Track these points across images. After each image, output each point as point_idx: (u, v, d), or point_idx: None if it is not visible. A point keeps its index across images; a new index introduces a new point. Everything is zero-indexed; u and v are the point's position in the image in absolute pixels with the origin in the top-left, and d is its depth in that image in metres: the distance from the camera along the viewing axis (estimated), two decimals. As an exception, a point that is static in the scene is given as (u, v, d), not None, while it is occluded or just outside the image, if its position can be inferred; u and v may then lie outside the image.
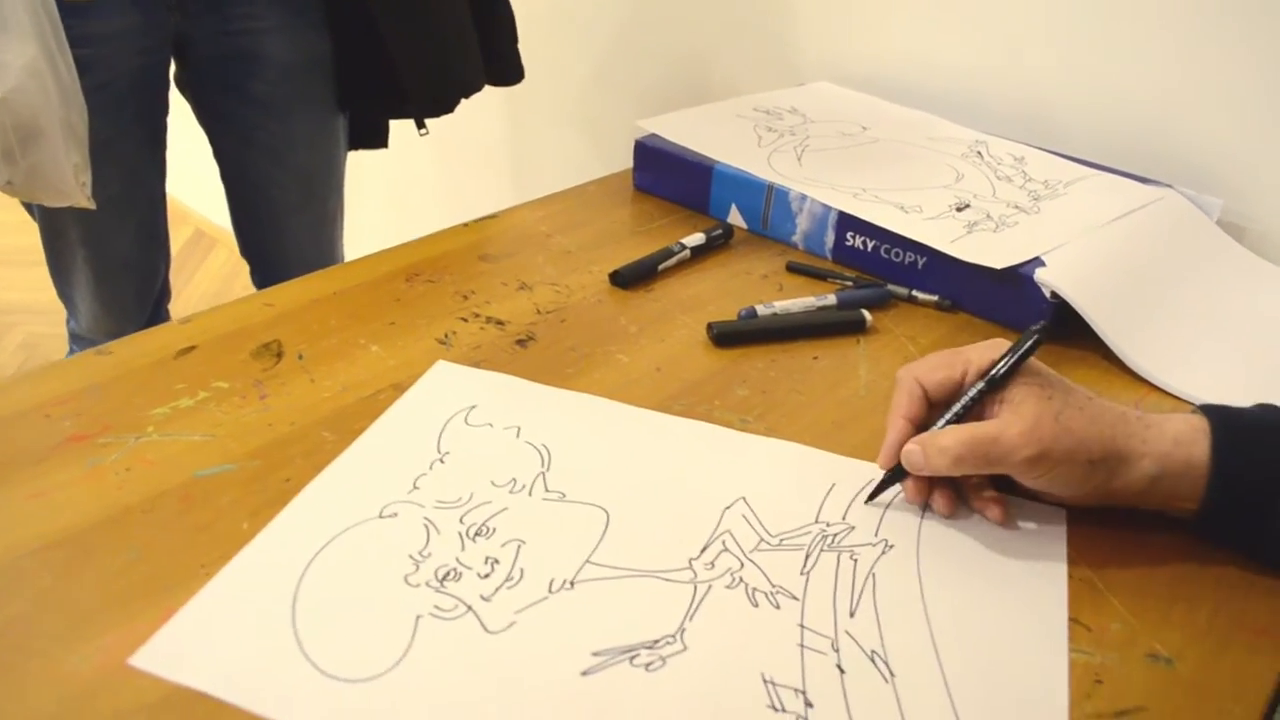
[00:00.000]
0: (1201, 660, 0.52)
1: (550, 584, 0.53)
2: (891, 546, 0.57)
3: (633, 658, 0.49)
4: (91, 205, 1.02)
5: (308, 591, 0.52)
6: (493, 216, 0.92)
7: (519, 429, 0.64)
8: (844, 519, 0.58)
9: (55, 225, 1.19)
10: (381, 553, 0.54)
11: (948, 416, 0.59)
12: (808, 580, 0.54)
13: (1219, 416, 0.57)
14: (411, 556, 0.54)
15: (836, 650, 0.50)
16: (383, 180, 2.01)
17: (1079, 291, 0.76)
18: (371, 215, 2.01)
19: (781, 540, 0.56)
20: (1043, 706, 0.48)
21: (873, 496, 0.60)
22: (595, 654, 0.49)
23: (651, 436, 0.65)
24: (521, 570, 0.53)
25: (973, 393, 0.59)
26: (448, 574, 0.53)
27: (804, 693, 0.48)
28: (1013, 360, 0.58)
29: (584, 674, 0.48)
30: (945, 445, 0.56)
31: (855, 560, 0.55)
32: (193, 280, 2.65)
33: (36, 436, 0.62)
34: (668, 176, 0.97)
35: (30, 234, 1.24)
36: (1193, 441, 0.56)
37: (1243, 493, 0.56)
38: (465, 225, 0.90)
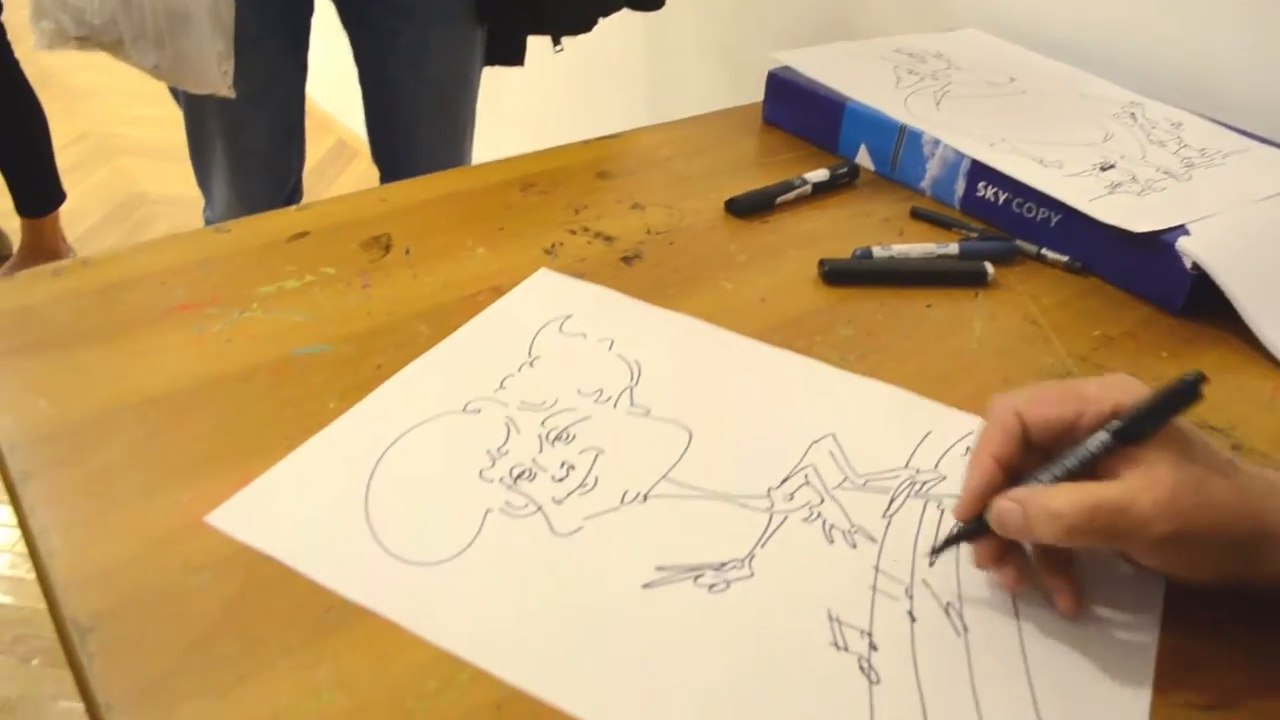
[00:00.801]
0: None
1: (623, 495, 0.52)
2: None
3: (697, 577, 0.48)
4: (232, 94, 1.04)
5: (383, 473, 0.52)
6: (614, 136, 0.91)
7: (612, 342, 0.63)
8: (936, 468, 0.56)
9: (198, 114, 1.22)
10: (460, 445, 0.54)
11: (1055, 471, 0.47)
12: (889, 524, 0.52)
13: None
14: (489, 452, 0.54)
15: (910, 597, 0.48)
16: (516, 98, 2.01)
17: (1224, 266, 0.71)
18: (502, 132, 2.02)
19: (867, 481, 0.54)
20: (1124, 687, 0.45)
21: (939, 551, 0.50)
22: (659, 568, 0.48)
23: (746, 363, 0.63)
24: (596, 478, 0.53)
25: (1094, 445, 0.46)
26: (522, 473, 0.53)
27: (870, 635, 0.46)
28: (1157, 414, 0.46)
29: (645, 586, 0.47)
30: (1058, 510, 0.44)
31: (942, 510, 0.53)
32: (331, 188, 2.72)
33: (149, 301, 0.64)
34: (798, 111, 0.94)
35: (180, 130, 1.28)
36: None
37: None
38: (585, 143, 0.89)
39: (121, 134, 2.97)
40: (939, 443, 0.58)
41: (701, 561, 0.49)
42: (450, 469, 0.53)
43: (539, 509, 0.51)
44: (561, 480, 0.52)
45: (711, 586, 0.47)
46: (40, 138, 2.08)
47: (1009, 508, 0.46)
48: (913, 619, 0.47)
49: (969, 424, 0.59)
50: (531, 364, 0.60)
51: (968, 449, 0.56)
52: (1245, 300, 0.70)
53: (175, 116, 1.28)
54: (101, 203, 2.62)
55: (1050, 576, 0.49)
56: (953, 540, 0.49)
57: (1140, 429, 0.46)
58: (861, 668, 0.45)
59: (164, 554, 0.47)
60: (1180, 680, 0.46)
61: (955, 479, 0.55)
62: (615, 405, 0.58)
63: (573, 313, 0.65)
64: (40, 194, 2.13)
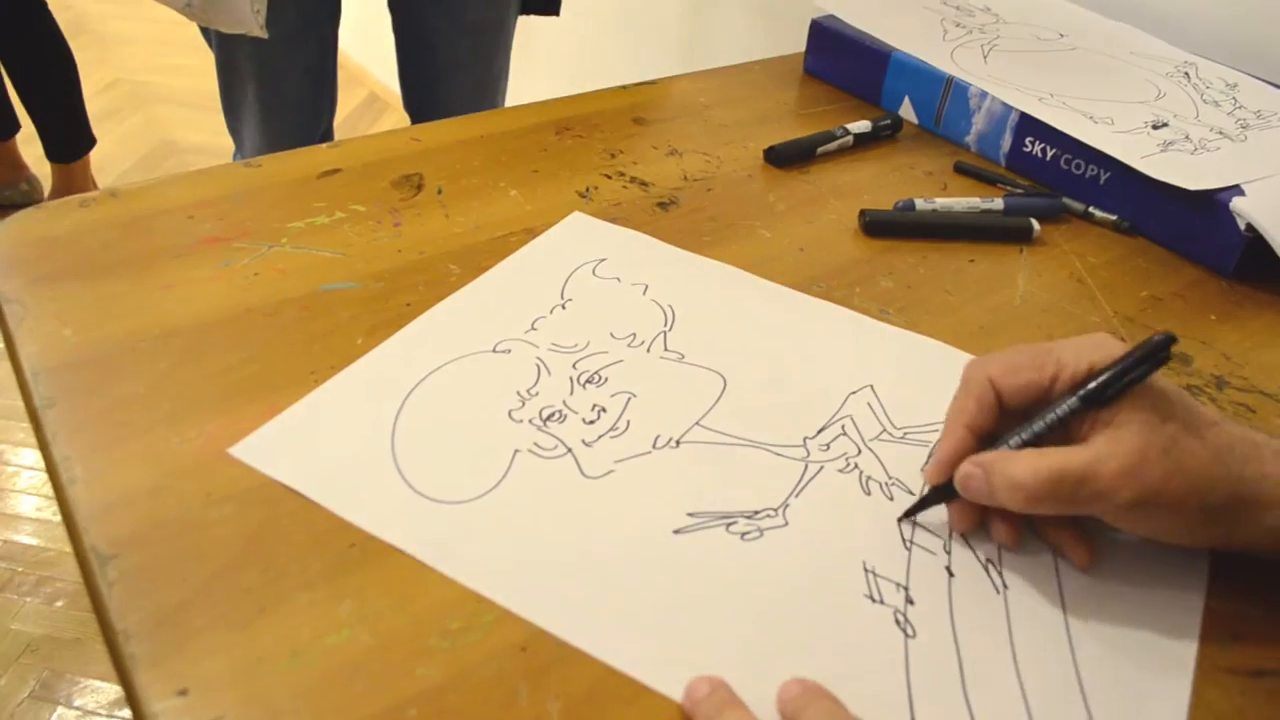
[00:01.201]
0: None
1: (655, 440, 0.51)
2: None
3: (729, 524, 0.47)
4: (264, 34, 1.03)
5: (411, 410, 0.51)
6: (651, 83, 0.89)
7: (646, 286, 0.61)
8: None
9: (229, 56, 1.21)
10: (489, 385, 0.53)
11: (1023, 435, 0.46)
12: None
13: None
14: (519, 393, 0.52)
15: (948, 553, 0.47)
16: (550, 48, 1.99)
17: (1278, 227, 0.69)
18: (536, 81, 2.00)
19: (905, 434, 0.53)
20: (1168, 649, 0.44)
21: (909, 514, 0.48)
22: (691, 514, 0.47)
23: (783, 312, 0.61)
24: (628, 422, 0.51)
25: (1060, 410, 0.45)
26: (552, 415, 0.51)
27: (906, 588, 0.45)
28: (1127, 377, 0.44)
29: (676, 532, 0.46)
30: (1019, 478, 0.43)
31: None
32: (360, 143, 2.71)
33: (177, 234, 0.63)
34: (840, 61, 0.92)
35: (212, 79, 1.27)
36: None
37: None
38: (623, 88, 0.87)
39: (154, 82, 2.96)
40: None
41: (734, 509, 0.47)
42: (479, 408, 0.51)
43: (569, 451, 0.49)
44: (592, 423, 0.51)
45: (744, 534, 0.46)
46: (70, 83, 2.07)
47: (972, 472, 0.45)
48: (950, 574, 0.46)
49: None
50: (564, 306, 0.59)
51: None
52: (1301, 264, 0.68)
53: (208, 66, 1.27)
54: (132, 150, 2.62)
55: (1053, 532, 0.47)
56: (922, 504, 0.48)
57: (1107, 392, 0.44)
58: (897, 621, 0.43)
59: (186, 485, 0.46)
60: (1227, 644, 0.44)
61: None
62: (649, 350, 0.56)
63: (607, 256, 0.64)
64: (70, 140, 2.13)
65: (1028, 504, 0.44)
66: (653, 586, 0.43)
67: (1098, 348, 0.46)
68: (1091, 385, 0.45)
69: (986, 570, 0.46)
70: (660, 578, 0.44)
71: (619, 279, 0.62)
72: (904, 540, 0.47)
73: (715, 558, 0.45)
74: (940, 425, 0.53)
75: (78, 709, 1.36)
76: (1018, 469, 0.44)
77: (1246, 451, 0.44)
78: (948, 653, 0.42)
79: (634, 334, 0.57)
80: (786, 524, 0.47)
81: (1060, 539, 0.47)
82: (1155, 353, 0.44)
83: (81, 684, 1.39)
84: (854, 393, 0.55)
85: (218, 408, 0.51)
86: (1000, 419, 0.48)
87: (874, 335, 0.60)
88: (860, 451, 0.51)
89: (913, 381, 0.57)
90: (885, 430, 0.53)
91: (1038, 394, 0.47)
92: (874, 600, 0.44)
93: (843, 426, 0.53)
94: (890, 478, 0.50)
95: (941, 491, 0.47)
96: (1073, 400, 0.45)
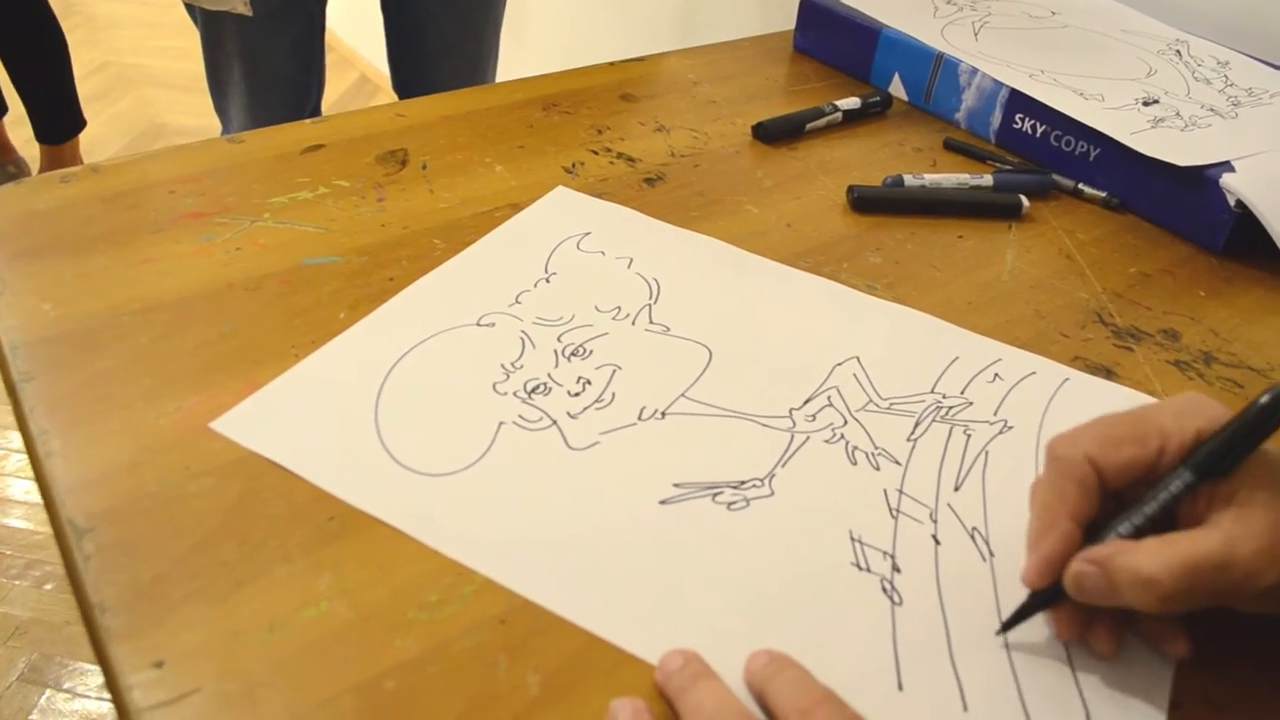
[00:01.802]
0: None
1: (640, 411, 0.50)
2: (1011, 428, 0.52)
3: (715, 494, 0.46)
4: (249, 11, 1.02)
5: (395, 384, 0.50)
6: (639, 59, 0.88)
7: (631, 260, 0.61)
8: (962, 394, 0.54)
9: (215, 35, 1.20)
10: (474, 358, 0.52)
11: (1135, 520, 0.40)
12: (914, 447, 0.50)
13: None
14: (503, 366, 0.52)
15: (934, 521, 0.46)
16: (544, 28, 1.98)
17: (1269, 204, 0.68)
18: (527, 61, 1.99)
19: (891, 404, 0.53)
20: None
21: (1010, 625, 0.42)
22: (677, 485, 0.47)
23: (769, 284, 0.61)
24: (613, 394, 0.51)
25: (1174, 486, 0.40)
26: (537, 387, 0.51)
27: (893, 556, 0.44)
28: (1243, 439, 0.40)
29: (662, 502, 0.46)
30: (1151, 575, 0.37)
31: (969, 435, 0.51)
32: (351, 126, 2.69)
33: (158, 209, 0.62)
34: (830, 38, 0.91)
35: (199, 61, 1.26)
36: None
37: None
38: (611, 64, 0.86)
39: (144, 64, 2.94)
40: (965, 369, 0.56)
41: (720, 479, 0.47)
42: (463, 381, 0.51)
43: (553, 423, 0.49)
44: (577, 395, 0.51)
45: (730, 504, 0.46)
46: (60, 64, 2.06)
47: (1089, 571, 0.39)
48: (937, 542, 0.45)
49: (996, 350, 0.58)
50: (548, 280, 0.59)
51: (995, 375, 0.55)
52: (1290, 240, 0.68)
53: (198, 48, 1.25)
54: (122, 133, 2.60)
55: (1151, 624, 0.42)
56: (1027, 611, 0.42)
57: (1226, 461, 0.40)
58: (884, 589, 0.43)
59: (165, 459, 0.46)
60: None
61: (981, 405, 0.54)
62: (634, 322, 0.56)
63: (591, 230, 0.63)
64: (59, 121, 2.12)
65: (1163, 604, 0.38)
66: (639, 556, 0.43)
67: (1199, 412, 0.41)
68: (1206, 455, 0.40)
69: (973, 538, 0.46)
70: (646, 548, 0.44)
71: (603, 253, 0.61)
72: (890, 509, 0.47)
73: (701, 528, 0.45)
74: (924, 396, 0.53)
75: (67, 691, 1.36)
76: (1146, 564, 0.38)
77: None
78: (934, 619, 0.42)
79: (619, 307, 0.57)
80: (773, 494, 0.47)
81: (1159, 631, 0.42)
82: (1272, 414, 0.39)
83: (70, 666, 1.39)
84: (840, 364, 0.55)
85: (197, 382, 0.50)
86: (1102, 506, 0.42)
87: (859, 307, 0.60)
88: (846, 422, 0.51)
89: (899, 353, 0.56)
90: (872, 401, 0.53)
91: (1142, 471, 0.41)
92: (861, 568, 0.44)
93: (829, 397, 0.52)
94: (877, 447, 0.50)
95: (1048, 595, 0.41)
96: (1188, 476, 0.40)
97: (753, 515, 0.46)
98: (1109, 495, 0.42)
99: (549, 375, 0.52)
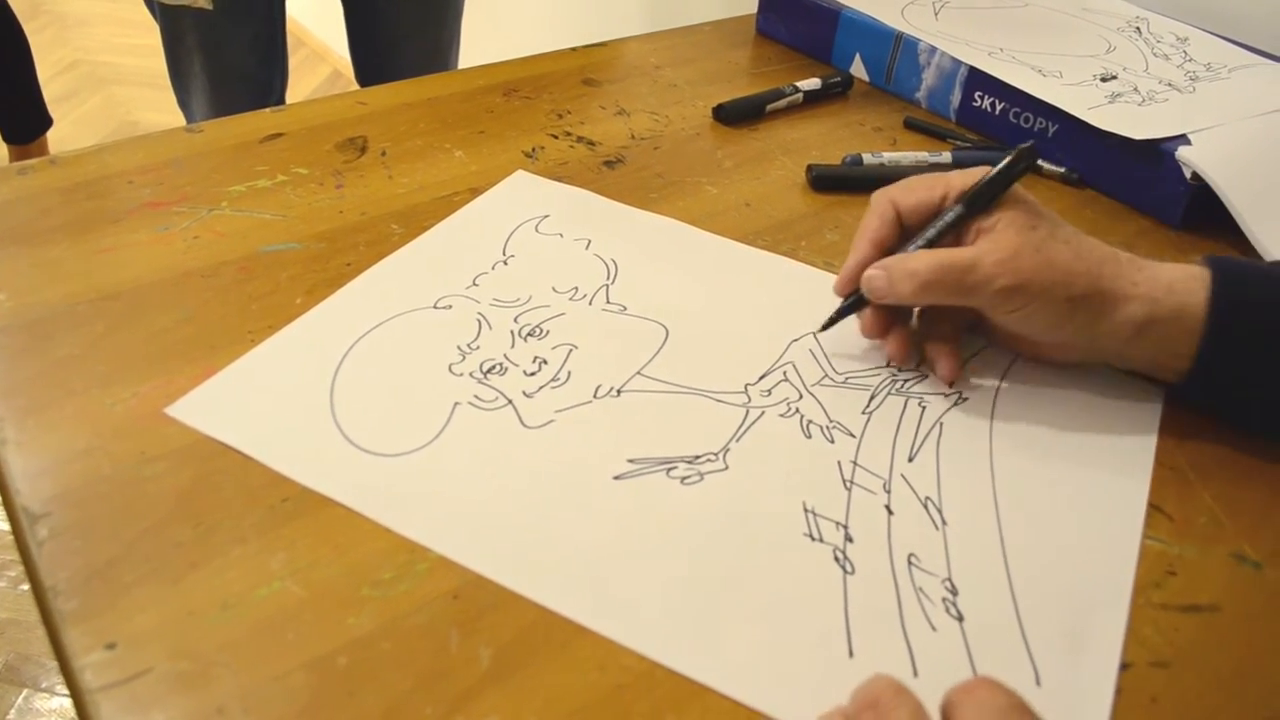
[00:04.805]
0: (1294, 565, 0.47)
1: (596, 389, 0.50)
2: (965, 399, 0.52)
3: (669, 469, 0.46)
4: (208, 5, 1.01)
5: (350, 367, 0.50)
6: (601, 44, 0.88)
7: (589, 241, 0.61)
8: (918, 367, 0.54)
9: (175, 29, 1.19)
10: (430, 340, 0.53)
11: (919, 241, 0.53)
12: (869, 420, 0.51)
13: (1222, 265, 0.51)
14: (459, 347, 0.52)
15: (888, 492, 0.47)
16: (510, 15, 1.97)
17: (1224, 176, 0.69)
18: (492, 50, 1.99)
19: (847, 379, 0.53)
20: (1104, 585, 0.44)
21: (827, 326, 0.55)
22: (631, 460, 0.47)
23: (726, 263, 0.61)
24: (569, 373, 0.51)
25: (949, 216, 0.52)
26: (493, 367, 0.51)
27: (845, 526, 0.45)
28: (997, 182, 0.51)
29: (616, 478, 0.46)
30: (914, 269, 0.50)
31: (924, 407, 0.52)
32: (324, 121, 2.68)
33: (116, 199, 0.62)
34: (792, 20, 0.91)
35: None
36: (1189, 290, 0.49)
37: (1242, 344, 0.49)
38: (573, 49, 0.86)
39: (113, 62, 2.92)
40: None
41: (674, 454, 0.47)
42: (419, 363, 0.51)
43: (509, 402, 0.49)
44: (533, 375, 0.51)
45: (684, 479, 0.46)
46: (22, 63, 2.04)
47: (874, 273, 0.52)
48: (890, 512, 0.46)
49: None
50: (506, 262, 0.59)
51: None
52: (1244, 212, 0.68)
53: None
54: (93, 131, 2.58)
55: (932, 344, 0.54)
56: (838, 314, 0.54)
57: (985, 195, 0.51)
58: (836, 558, 0.43)
59: (120, 444, 0.46)
60: (1161, 583, 0.45)
61: (936, 378, 0.54)
62: (590, 302, 0.56)
63: (550, 213, 0.63)
64: (25, 120, 2.10)
65: (921, 291, 0.50)
66: (593, 531, 0.43)
67: (981, 173, 0.52)
68: (971, 191, 0.52)
69: (926, 507, 0.46)
70: (601, 522, 0.44)
71: (561, 235, 0.62)
72: (844, 481, 0.47)
73: (655, 501, 0.45)
74: (880, 370, 0.54)
75: (45, 690, 1.35)
76: (913, 262, 0.51)
77: (1104, 254, 0.51)
78: (886, 589, 0.42)
79: (576, 288, 0.57)
80: (727, 468, 0.47)
81: (938, 351, 0.54)
82: (1022, 160, 0.52)
83: (48, 665, 1.38)
84: (796, 340, 0.55)
85: (153, 369, 0.50)
86: (901, 236, 0.54)
87: (816, 284, 0.60)
88: (802, 396, 0.51)
89: (855, 329, 0.56)
90: (827, 375, 0.53)
91: (930, 211, 0.53)
92: (813, 539, 0.44)
93: (784, 373, 0.53)
94: (831, 421, 0.50)
95: (852, 301, 0.54)
96: (957, 207, 0.52)
97: (707, 489, 0.46)
98: (908, 231, 0.54)
99: (505, 356, 0.52)
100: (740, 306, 0.57)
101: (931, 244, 0.52)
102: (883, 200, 0.54)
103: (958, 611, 0.42)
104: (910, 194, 0.54)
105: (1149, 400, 0.54)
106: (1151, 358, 0.52)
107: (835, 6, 0.88)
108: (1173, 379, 0.52)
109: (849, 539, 0.44)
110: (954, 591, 0.42)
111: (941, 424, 0.51)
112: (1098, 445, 0.51)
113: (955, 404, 0.52)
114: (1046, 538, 0.46)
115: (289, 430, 0.47)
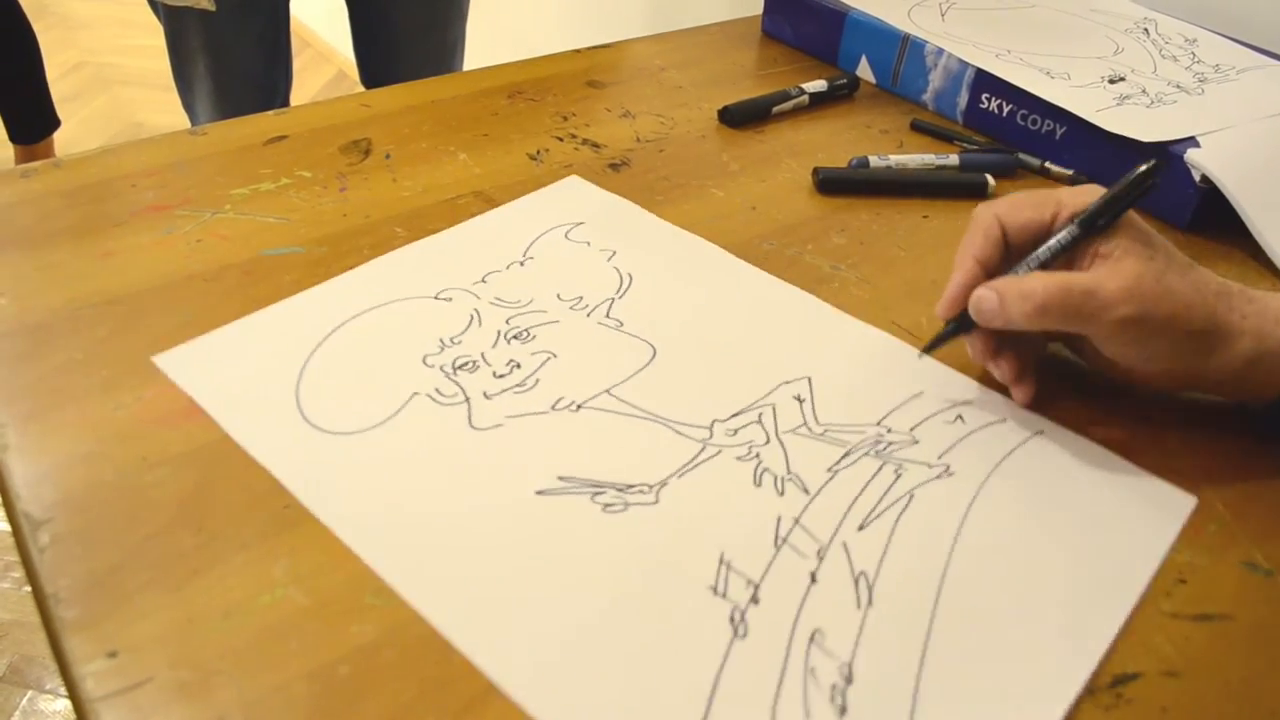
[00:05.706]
0: (1307, 574, 0.46)
1: (556, 401, 0.49)
2: (951, 474, 0.48)
3: (596, 494, 0.45)
4: (212, 7, 1.01)
5: (331, 344, 0.52)
6: (606, 46, 0.88)
7: (614, 253, 0.61)
8: (911, 430, 0.50)
9: (179, 31, 1.19)
10: (415, 329, 0.53)
11: (1031, 263, 0.50)
12: (832, 477, 0.47)
13: None
14: (441, 340, 0.52)
15: (820, 558, 0.43)
16: (514, 18, 1.97)
17: (1233, 179, 0.68)
18: (497, 53, 1.99)
19: (826, 431, 0.50)
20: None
21: (930, 349, 0.53)
22: (561, 478, 0.45)
23: (747, 293, 0.59)
24: (537, 380, 0.51)
25: (1064, 237, 0.49)
26: (465, 364, 0.51)
27: (757, 586, 0.41)
28: (1117, 203, 0.49)
29: (539, 493, 0.45)
30: (1030, 290, 0.47)
31: (899, 475, 0.48)
32: (330, 122, 2.68)
33: (119, 202, 0.62)
34: (798, 21, 0.91)
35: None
36: None
37: None
38: (577, 51, 0.86)
39: (119, 64, 2.93)
40: (927, 405, 0.52)
41: (607, 479, 0.45)
42: (395, 349, 0.51)
43: (466, 400, 0.49)
44: (502, 377, 0.50)
45: (607, 506, 0.44)
46: (32, 64, 2.04)
47: (985, 294, 0.49)
48: (813, 580, 0.42)
49: (969, 390, 0.53)
50: (522, 263, 0.59)
51: (959, 417, 0.52)
52: (1254, 214, 0.68)
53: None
54: (98, 133, 2.59)
55: (1006, 361, 0.52)
56: (943, 337, 0.53)
57: (1102, 217, 0.49)
58: (732, 619, 0.40)
59: (122, 450, 0.45)
60: (1171, 591, 0.44)
61: (928, 445, 0.50)
62: (589, 314, 0.55)
63: (586, 220, 0.63)
64: (33, 121, 2.10)
65: (1038, 313, 0.48)
66: (497, 547, 0.42)
67: (1092, 192, 0.50)
68: (1088, 212, 0.49)
69: (856, 583, 0.42)
70: (509, 538, 0.42)
71: (589, 243, 0.61)
72: (776, 538, 0.44)
73: (570, 524, 0.43)
74: (867, 427, 0.50)
75: (49, 692, 1.35)
76: (1029, 283, 0.48)
77: (1219, 288, 0.49)
78: (773, 662, 0.39)
79: (580, 297, 0.57)
80: (657, 502, 0.45)
81: (1016, 379, 0.52)
82: (1143, 180, 0.49)
83: (53, 667, 1.38)
84: (789, 382, 0.52)
85: (156, 374, 0.50)
86: (1006, 256, 0.52)
87: (829, 322, 0.57)
88: (768, 441, 0.49)
89: (855, 379, 0.53)
90: (805, 424, 0.50)
91: (1039, 230, 0.51)
92: (715, 593, 0.41)
93: (759, 414, 0.50)
94: (789, 473, 0.47)
95: (958, 323, 0.52)
96: (1072, 227, 0.49)
97: (627, 520, 0.44)
98: (1014, 251, 0.51)
99: (482, 354, 0.52)
100: (742, 338, 0.55)
101: (1045, 266, 0.50)
102: (988, 216, 0.52)
103: (843, 703, 0.38)
104: (1018, 212, 0.51)
105: (1169, 518, 0.48)
106: (1256, 390, 0.50)
107: (841, 8, 0.87)
108: (1257, 404, 0.51)
109: (755, 600, 0.41)
110: (848, 680, 0.38)
111: (912, 495, 0.47)
112: (1085, 558, 0.45)
113: (937, 477, 0.48)
114: (982, 645, 0.41)
115: (251, 397, 0.48)
